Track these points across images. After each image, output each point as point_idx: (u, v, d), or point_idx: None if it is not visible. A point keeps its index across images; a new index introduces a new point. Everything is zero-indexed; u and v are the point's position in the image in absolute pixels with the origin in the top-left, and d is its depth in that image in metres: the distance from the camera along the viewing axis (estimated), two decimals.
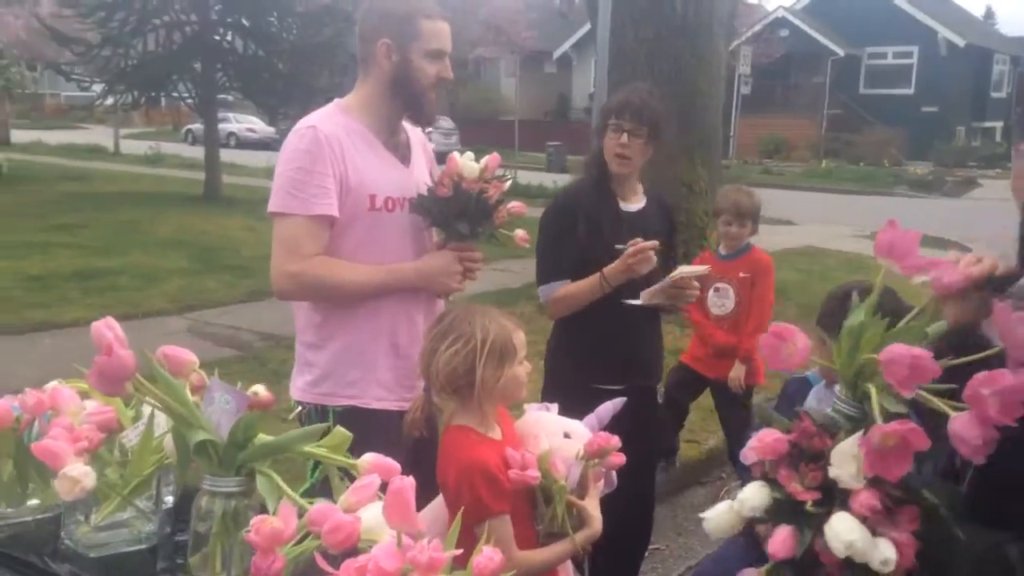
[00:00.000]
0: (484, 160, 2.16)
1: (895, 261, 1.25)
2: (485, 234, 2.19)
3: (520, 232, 2.23)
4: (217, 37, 13.74)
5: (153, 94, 14.34)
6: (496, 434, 1.74)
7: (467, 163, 2.13)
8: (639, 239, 2.42)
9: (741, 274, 3.89)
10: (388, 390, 2.19)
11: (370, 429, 2.12)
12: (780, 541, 1.19)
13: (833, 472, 1.19)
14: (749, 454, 1.29)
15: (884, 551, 1.14)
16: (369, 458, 1.17)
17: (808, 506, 1.20)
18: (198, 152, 17.03)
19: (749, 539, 2.10)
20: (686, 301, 2.53)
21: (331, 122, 2.16)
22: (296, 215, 2.08)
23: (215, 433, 1.12)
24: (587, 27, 24.27)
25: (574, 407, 1.91)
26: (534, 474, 1.63)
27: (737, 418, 3.94)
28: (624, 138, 2.52)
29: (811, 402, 2.30)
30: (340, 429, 1.20)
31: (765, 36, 26.23)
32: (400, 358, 2.19)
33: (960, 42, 26.32)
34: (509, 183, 2.21)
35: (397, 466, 1.18)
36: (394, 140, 2.26)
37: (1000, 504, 1.21)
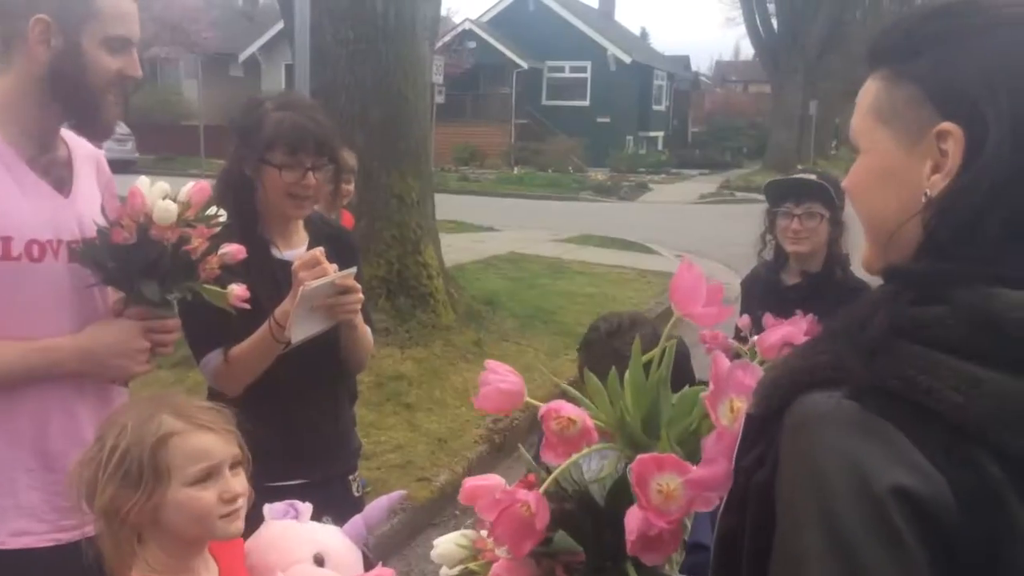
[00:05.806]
0: (186, 191, 1.56)
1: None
2: (183, 297, 1.60)
3: (236, 289, 1.64)
4: None
5: None
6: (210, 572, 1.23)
7: (159, 202, 1.51)
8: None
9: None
10: (37, 519, 1.55)
11: None
12: None
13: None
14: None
15: None
16: None
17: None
18: None
19: None
20: (353, 309, 1.93)
21: None
22: None
23: None
24: (277, 28, 23.17)
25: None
26: None
27: None
28: (309, 177, 1.92)
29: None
30: None
31: (455, 47, 26.81)
32: (53, 471, 1.54)
33: (627, 59, 28.82)
34: (222, 225, 1.62)
35: None
36: (46, 157, 1.60)
37: None
